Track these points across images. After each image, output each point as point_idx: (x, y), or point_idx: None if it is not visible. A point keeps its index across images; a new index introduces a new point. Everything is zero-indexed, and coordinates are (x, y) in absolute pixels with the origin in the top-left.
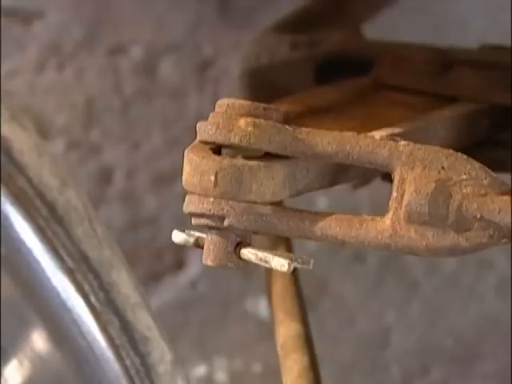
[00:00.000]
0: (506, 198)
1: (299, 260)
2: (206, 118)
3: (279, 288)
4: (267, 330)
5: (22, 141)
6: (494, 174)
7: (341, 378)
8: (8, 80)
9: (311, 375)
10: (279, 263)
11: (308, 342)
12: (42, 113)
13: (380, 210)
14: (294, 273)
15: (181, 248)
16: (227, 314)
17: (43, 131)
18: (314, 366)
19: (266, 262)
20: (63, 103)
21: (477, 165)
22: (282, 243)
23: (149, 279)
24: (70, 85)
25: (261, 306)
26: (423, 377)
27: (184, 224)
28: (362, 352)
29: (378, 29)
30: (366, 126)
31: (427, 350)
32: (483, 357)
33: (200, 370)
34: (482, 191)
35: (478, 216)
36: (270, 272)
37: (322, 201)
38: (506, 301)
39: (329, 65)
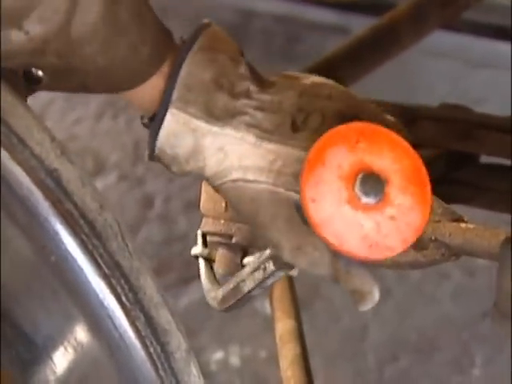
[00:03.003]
0: (456, 224)
1: None
2: None
3: (278, 292)
4: (271, 324)
5: (69, 172)
6: (446, 205)
7: (327, 363)
8: (74, 126)
9: (302, 361)
10: None
11: (300, 335)
12: (100, 152)
13: None
14: (291, 280)
15: None
16: (240, 311)
17: (100, 166)
18: (304, 353)
19: None
20: (116, 145)
21: (432, 197)
22: None
23: (180, 283)
24: (121, 130)
25: (267, 306)
26: (393, 363)
27: None
28: (345, 343)
29: (361, 89)
30: None
31: (397, 342)
32: (440, 348)
33: (218, 355)
34: (436, 218)
35: (433, 238)
36: None
37: None
38: (459, 304)
39: None
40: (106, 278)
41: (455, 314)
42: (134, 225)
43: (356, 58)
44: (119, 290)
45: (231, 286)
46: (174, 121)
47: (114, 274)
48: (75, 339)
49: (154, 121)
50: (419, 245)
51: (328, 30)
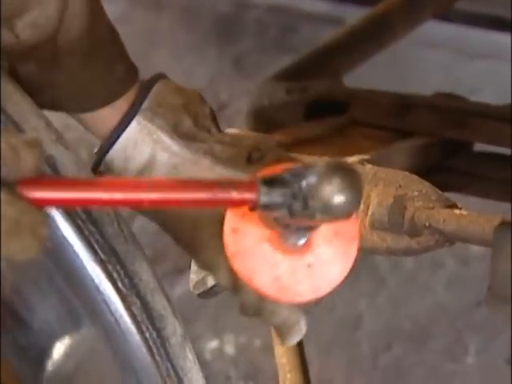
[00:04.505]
0: (450, 210)
1: None
2: None
3: None
4: None
5: (64, 158)
6: (440, 192)
7: (322, 351)
8: (68, 116)
9: (297, 348)
10: None
11: None
12: (94, 142)
13: None
14: None
15: None
16: (235, 300)
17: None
18: (299, 341)
19: None
20: None
21: (427, 184)
22: None
23: (175, 273)
24: None
25: None
26: (387, 352)
27: None
28: (339, 331)
29: (355, 79)
30: (341, 153)
31: (391, 331)
32: (434, 337)
33: (212, 344)
34: (431, 205)
35: (427, 224)
36: None
37: None
38: (453, 293)
39: (315, 106)
40: (102, 263)
41: (449, 302)
42: (128, 214)
43: (350, 47)
44: (115, 275)
45: (201, 276)
46: (137, 129)
47: (109, 259)
48: (71, 324)
49: (113, 131)
50: (413, 231)
51: (322, 20)
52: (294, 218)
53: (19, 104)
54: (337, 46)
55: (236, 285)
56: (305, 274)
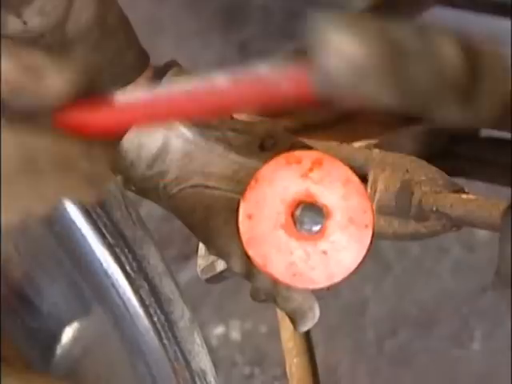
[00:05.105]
0: (457, 195)
1: None
2: None
3: None
4: None
5: None
6: (447, 176)
7: (327, 337)
8: None
9: (303, 333)
10: None
11: None
12: None
13: None
14: None
15: None
16: (240, 285)
17: None
18: None
19: None
20: None
21: (434, 169)
22: None
23: (180, 259)
24: None
25: None
26: (393, 337)
27: None
28: (345, 317)
29: None
30: (348, 138)
31: (396, 317)
32: (440, 322)
33: (218, 330)
34: (438, 189)
35: (434, 209)
36: None
37: None
38: (458, 279)
39: None
40: (110, 247)
41: (455, 288)
42: (134, 200)
43: None
44: (123, 259)
45: (209, 261)
46: None
47: (118, 243)
48: (80, 308)
49: None
50: (420, 216)
51: (327, 6)
52: None
53: None
54: None
55: (249, 271)
56: (319, 260)
